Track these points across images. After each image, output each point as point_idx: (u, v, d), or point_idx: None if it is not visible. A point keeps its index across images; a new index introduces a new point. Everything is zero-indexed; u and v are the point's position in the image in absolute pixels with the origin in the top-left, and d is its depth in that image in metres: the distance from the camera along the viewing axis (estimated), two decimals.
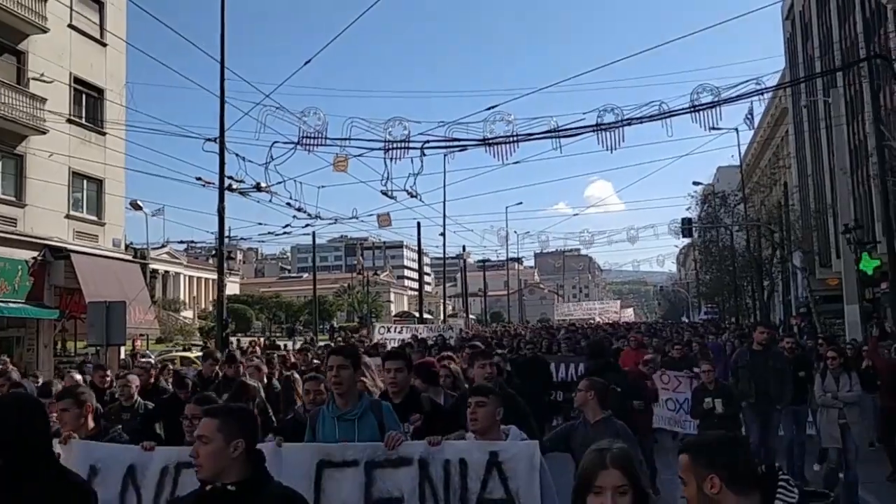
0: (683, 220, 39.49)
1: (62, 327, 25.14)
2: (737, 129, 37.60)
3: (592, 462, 2.50)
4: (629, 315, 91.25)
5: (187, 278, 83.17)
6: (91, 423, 5.07)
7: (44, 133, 23.41)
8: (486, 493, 4.13)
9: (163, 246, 69.84)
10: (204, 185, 19.15)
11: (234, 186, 17.07)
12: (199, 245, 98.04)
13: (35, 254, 23.51)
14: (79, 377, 8.86)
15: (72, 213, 25.26)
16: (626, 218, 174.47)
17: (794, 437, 10.17)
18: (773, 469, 2.65)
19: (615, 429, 5.48)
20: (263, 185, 17.25)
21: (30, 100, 23.11)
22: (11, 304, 22.45)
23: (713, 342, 19.14)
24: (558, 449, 5.52)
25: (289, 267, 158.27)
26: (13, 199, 23.16)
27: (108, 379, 9.34)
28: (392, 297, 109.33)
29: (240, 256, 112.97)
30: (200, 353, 25.49)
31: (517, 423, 4.79)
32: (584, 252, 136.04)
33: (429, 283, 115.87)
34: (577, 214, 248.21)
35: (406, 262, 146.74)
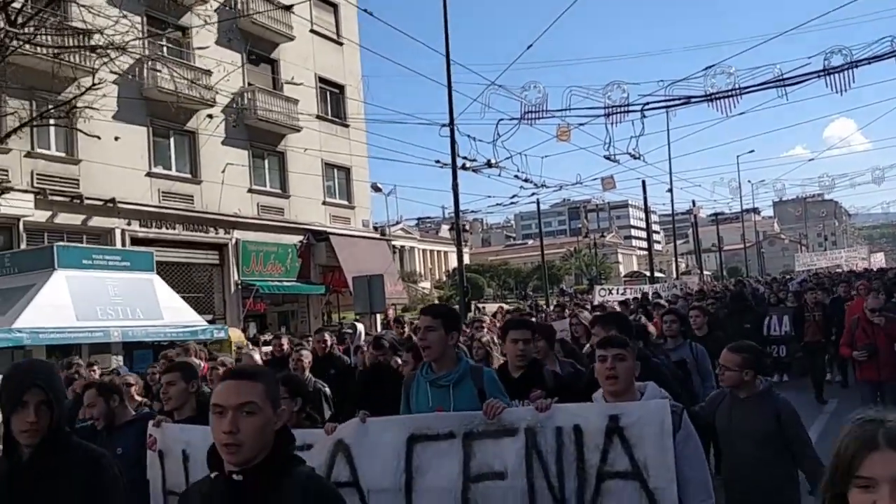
0: None
1: (327, 300, 28.32)
2: None
3: (857, 439, 1.59)
4: (880, 260, 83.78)
5: (421, 251, 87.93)
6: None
7: (298, 131, 26.39)
8: (608, 465, 3.47)
9: (397, 223, 74.53)
10: (441, 167, 20.80)
11: (468, 165, 18.45)
12: (428, 220, 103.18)
13: (300, 238, 26.71)
14: (257, 357, 8.48)
15: (327, 199, 28.32)
16: (870, 158, 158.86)
17: None
18: None
19: (775, 407, 4.63)
20: (493, 161, 18.47)
21: (285, 102, 26.13)
22: (286, 283, 25.78)
23: None
24: (702, 420, 4.71)
25: (513, 235, 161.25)
26: (279, 191, 26.44)
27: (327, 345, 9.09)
28: (620, 257, 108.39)
29: (467, 227, 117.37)
30: None
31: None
32: (827, 197, 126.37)
33: (658, 242, 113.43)
34: (812, 160, 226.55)
35: (632, 222, 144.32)
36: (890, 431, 1.56)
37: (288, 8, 25.43)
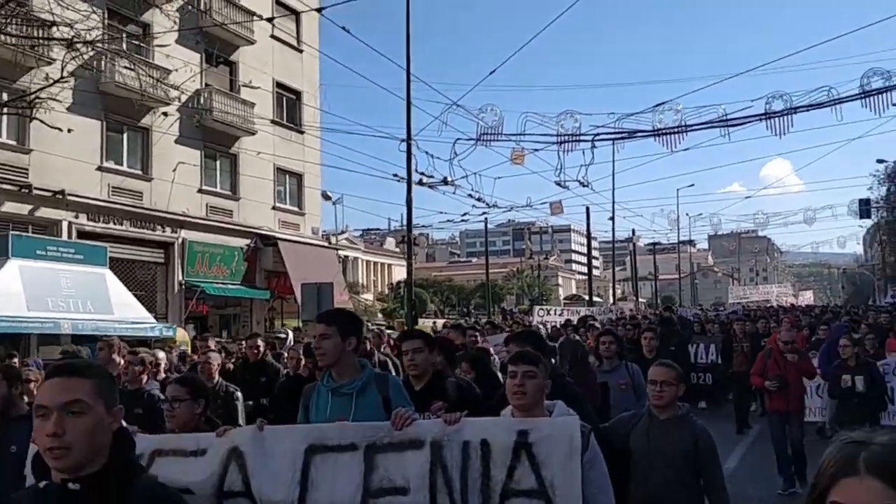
0: (861, 200, 38.02)
1: (271, 306, 28.28)
2: None
3: (837, 461, 1.42)
4: (808, 298, 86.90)
5: (365, 263, 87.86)
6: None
7: (253, 134, 26.43)
8: (513, 482, 3.34)
9: (342, 232, 74.43)
10: (399, 180, 21.13)
11: (425, 181, 18.86)
12: (374, 232, 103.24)
13: (248, 241, 26.67)
14: (162, 354, 8.26)
15: (277, 204, 28.36)
16: (803, 198, 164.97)
17: None
18: None
19: (693, 432, 4.64)
20: (449, 178, 18.90)
21: (241, 105, 26.17)
22: (230, 286, 25.70)
23: (840, 324, 16.68)
24: (617, 440, 4.64)
25: (458, 252, 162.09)
26: (229, 193, 26.41)
27: (259, 351, 8.88)
28: (560, 280, 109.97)
29: (416, 241, 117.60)
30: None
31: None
32: (761, 234, 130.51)
33: (597, 268, 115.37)
34: (749, 197, 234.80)
35: (573, 246, 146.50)
36: (872, 455, 1.39)
37: (251, 14, 25.68)
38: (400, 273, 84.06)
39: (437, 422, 3.57)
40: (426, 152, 20.71)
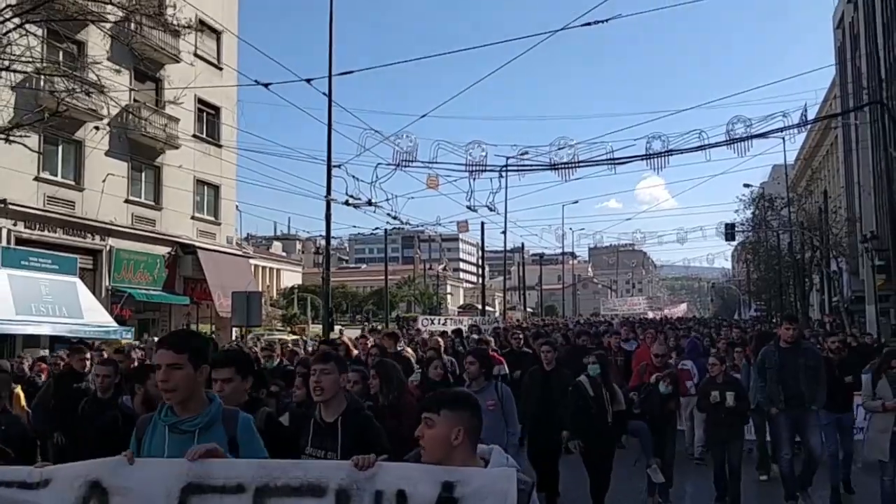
0: (727, 224, 42.58)
1: (188, 311, 29.75)
2: (783, 138, 40.42)
3: None
4: (682, 310, 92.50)
5: (254, 267, 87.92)
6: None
7: (177, 148, 27.95)
8: None
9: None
10: (336, 202, 23.13)
11: (351, 202, 21.08)
12: (258, 237, 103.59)
13: (169, 249, 28.18)
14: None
15: (196, 214, 29.91)
16: (677, 216, 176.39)
17: (837, 448, 9.19)
18: None
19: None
20: (373, 200, 21.26)
21: (166, 120, 27.66)
22: (152, 292, 27.15)
23: (692, 339, 16.92)
24: None
25: (346, 258, 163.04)
26: (153, 203, 27.85)
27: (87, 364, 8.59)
28: (449, 288, 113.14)
29: (299, 246, 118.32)
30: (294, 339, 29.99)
31: None
32: (637, 248, 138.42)
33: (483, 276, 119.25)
34: (630, 219, 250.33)
35: (461, 255, 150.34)
36: None
37: (177, 34, 27.21)
38: (289, 278, 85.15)
39: (346, 464, 3.05)
40: (354, 176, 22.89)
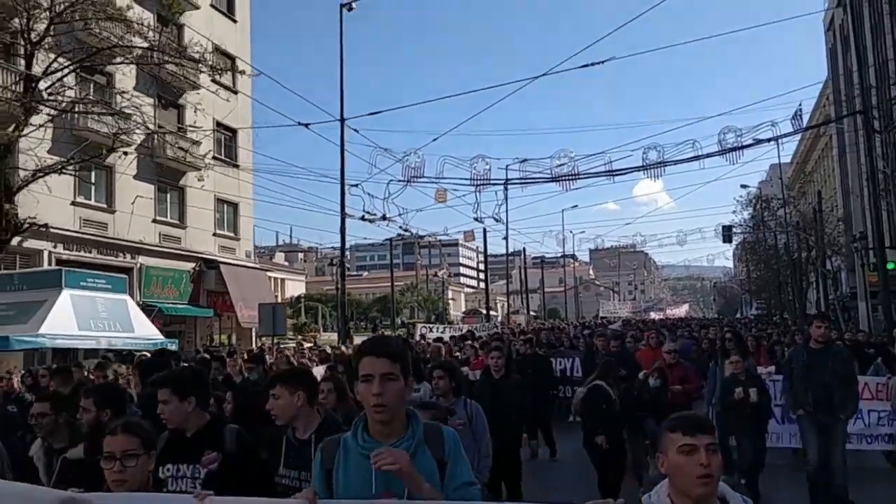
0: (724, 226, 43.98)
1: (211, 323, 31.28)
2: (777, 139, 41.67)
3: None
4: (684, 311, 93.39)
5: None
6: None
7: (199, 169, 29.44)
8: None
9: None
10: (353, 218, 24.64)
11: (367, 217, 22.65)
12: (261, 247, 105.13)
13: (193, 265, 29.71)
14: None
15: (217, 231, 31.45)
16: (675, 217, 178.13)
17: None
18: None
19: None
20: (386, 214, 22.88)
21: (189, 144, 29.18)
22: (179, 305, 28.68)
23: (688, 343, 16.57)
24: None
25: (348, 266, 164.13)
26: (178, 222, 29.41)
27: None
28: (450, 293, 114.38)
29: (301, 256, 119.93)
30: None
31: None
32: (639, 249, 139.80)
33: (483, 280, 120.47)
34: (629, 223, 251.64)
35: (461, 260, 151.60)
36: None
37: (197, 62, 28.76)
38: (293, 287, 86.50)
39: (187, 499, 2.80)
40: (370, 193, 24.50)
